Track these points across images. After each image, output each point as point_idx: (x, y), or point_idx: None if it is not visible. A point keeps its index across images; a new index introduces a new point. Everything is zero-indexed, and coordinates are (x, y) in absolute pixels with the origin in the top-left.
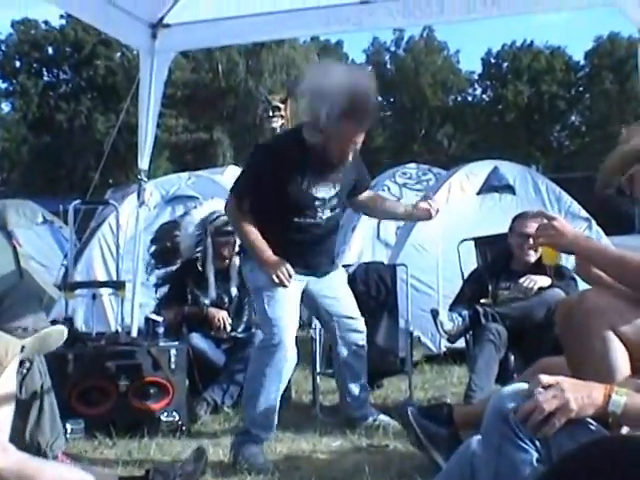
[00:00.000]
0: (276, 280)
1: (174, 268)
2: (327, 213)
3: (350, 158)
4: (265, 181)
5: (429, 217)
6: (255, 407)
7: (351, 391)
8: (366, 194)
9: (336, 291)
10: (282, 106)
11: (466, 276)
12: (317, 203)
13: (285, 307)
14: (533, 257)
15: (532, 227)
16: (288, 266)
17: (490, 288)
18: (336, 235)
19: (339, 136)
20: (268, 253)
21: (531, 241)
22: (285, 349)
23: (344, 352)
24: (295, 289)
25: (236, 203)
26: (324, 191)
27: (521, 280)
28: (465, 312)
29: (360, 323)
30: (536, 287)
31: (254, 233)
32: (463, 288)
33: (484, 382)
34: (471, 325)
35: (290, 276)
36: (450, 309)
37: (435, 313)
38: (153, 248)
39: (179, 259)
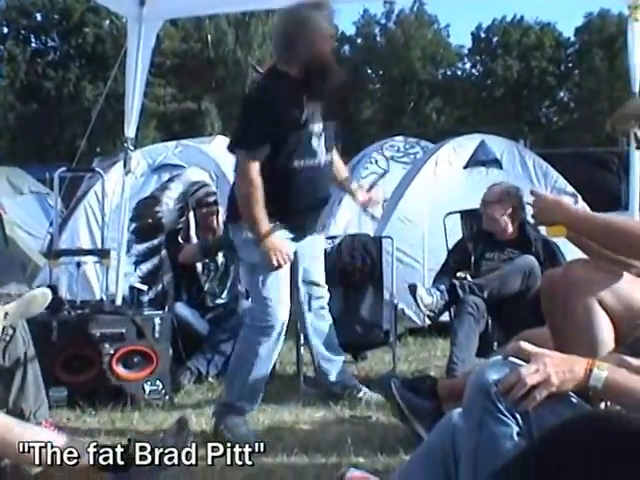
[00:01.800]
0: (275, 264)
1: (155, 243)
2: (324, 153)
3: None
4: (269, 125)
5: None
6: (243, 383)
7: (325, 356)
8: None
9: (313, 258)
10: None
11: (451, 248)
12: (314, 141)
13: (280, 287)
14: (510, 229)
15: (486, 196)
16: (287, 247)
17: (473, 259)
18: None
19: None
20: (267, 229)
21: (489, 211)
22: (280, 330)
23: (312, 318)
24: (288, 265)
25: (252, 166)
26: (318, 125)
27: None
28: (443, 286)
29: (324, 289)
30: None
31: (260, 204)
32: (448, 260)
33: (465, 355)
34: (450, 299)
35: (288, 257)
36: (434, 280)
37: (413, 288)
38: (133, 226)
39: (161, 234)
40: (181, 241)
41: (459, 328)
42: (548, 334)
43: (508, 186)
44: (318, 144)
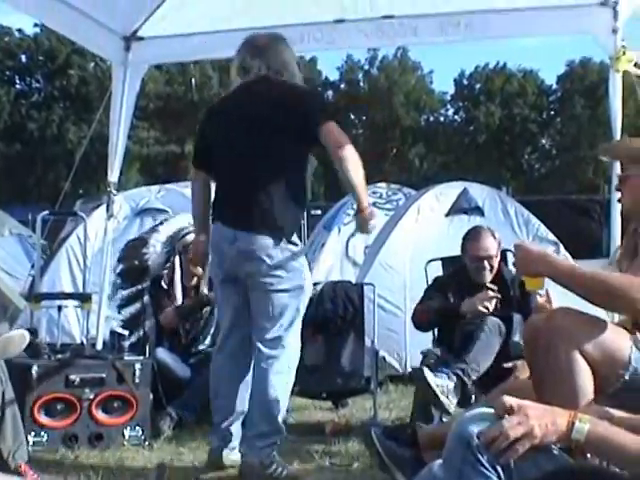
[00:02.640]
0: None
1: (139, 287)
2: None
3: None
4: None
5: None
6: None
7: None
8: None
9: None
10: None
11: (430, 284)
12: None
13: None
14: (489, 277)
15: (485, 250)
16: None
17: (452, 300)
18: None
19: None
20: None
21: (486, 263)
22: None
23: None
24: None
25: None
26: None
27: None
28: (447, 371)
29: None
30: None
31: None
32: (427, 292)
33: None
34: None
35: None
36: (413, 314)
37: (420, 372)
38: (120, 267)
39: (147, 278)
40: (164, 285)
41: (422, 379)
42: (529, 384)
43: (494, 233)
44: None
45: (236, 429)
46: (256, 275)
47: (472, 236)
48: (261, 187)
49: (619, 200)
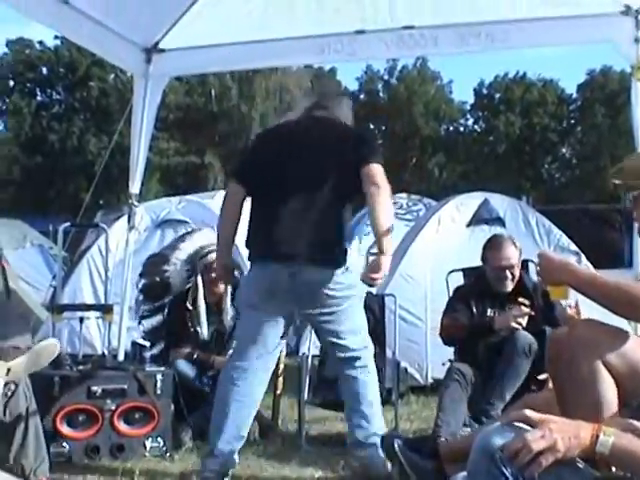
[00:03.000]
0: None
1: (161, 303)
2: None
3: None
4: None
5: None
6: None
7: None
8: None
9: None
10: None
11: (452, 294)
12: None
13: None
14: (510, 286)
15: (506, 259)
16: None
17: (475, 311)
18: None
19: None
20: None
21: (507, 272)
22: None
23: None
24: None
25: None
26: None
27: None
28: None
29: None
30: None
31: None
32: (450, 303)
33: (450, 418)
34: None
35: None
36: (441, 329)
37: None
38: (142, 283)
39: (169, 295)
40: (189, 306)
41: (445, 392)
42: (552, 397)
43: (516, 242)
44: None
45: (236, 456)
46: (316, 302)
47: (493, 245)
48: (323, 219)
49: (635, 219)
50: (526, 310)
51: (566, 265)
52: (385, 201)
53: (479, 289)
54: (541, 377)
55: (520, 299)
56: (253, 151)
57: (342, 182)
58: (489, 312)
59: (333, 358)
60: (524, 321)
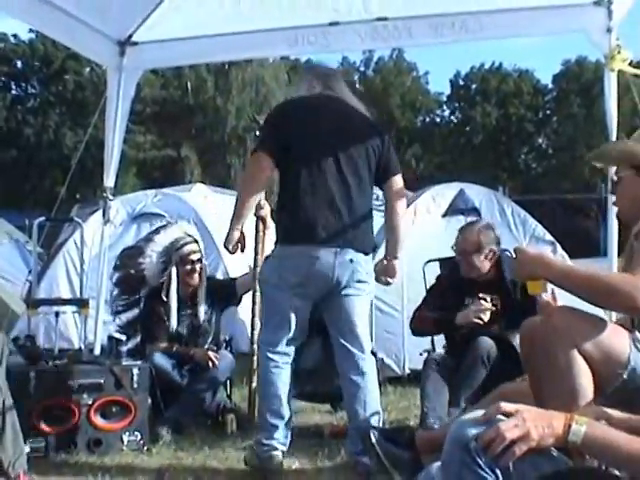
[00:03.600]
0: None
1: (136, 296)
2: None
3: None
4: None
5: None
6: None
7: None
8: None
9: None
10: None
11: (429, 288)
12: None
13: None
14: (472, 273)
15: (461, 244)
16: None
17: (452, 301)
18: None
19: None
20: None
21: (462, 258)
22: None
23: None
24: None
25: None
26: None
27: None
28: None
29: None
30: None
31: None
32: (427, 298)
33: (435, 404)
34: None
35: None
36: (411, 321)
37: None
38: (117, 276)
39: (144, 287)
40: (164, 298)
41: (427, 381)
42: (526, 387)
43: (482, 229)
44: None
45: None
46: (350, 283)
47: (460, 232)
48: (359, 203)
49: (614, 203)
50: (487, 305)
51: (541, 258)
52: (404, 212)
53: (453, 278)
54: None
55: (481, 294)
56: (276, 123)
57: (369, 170)
58: (466, 301)
59: (340, 353)
60: (486, 316)
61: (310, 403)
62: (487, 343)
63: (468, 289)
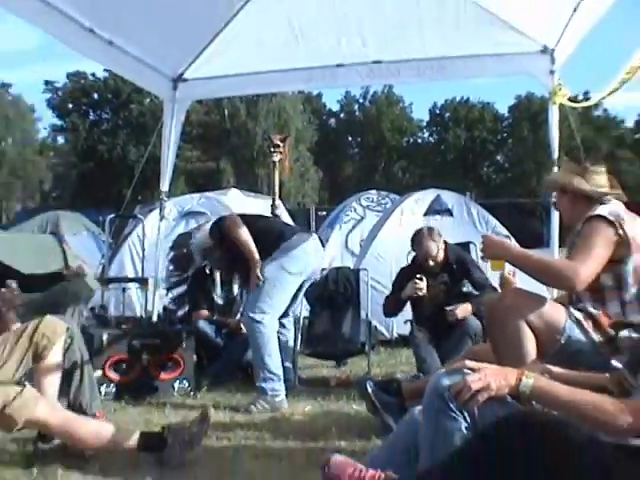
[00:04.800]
0: None
1: (185, 276)
2: None
3: None
4: None
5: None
6: None
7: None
8: None
9: None
10: (281, 144)
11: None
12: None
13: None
14: (440, 256)
15: (427, 249)
16: None
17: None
18: None
19: None
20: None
21: (430, 260)
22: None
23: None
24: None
25: None
26: None
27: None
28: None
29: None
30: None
31: None
32: (394, 284)
33: (430, 361)
34: None
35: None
36: (387, 296)
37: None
38: (172, 254)
39: (191, 267)
40: (207, 272)
41: (417, 344)
42: (489, 349)
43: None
44: None
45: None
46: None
47: (416, 239)
48: None
49: (558, 210)
50: (419, 283)
51: (503, 244)
52: None
53: (414, 268)
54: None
55: (418, 276)
56: None
57: None
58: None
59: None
60: (423, 289)
61: (319, 360)
62: (475, 323)
63: (425, 272)
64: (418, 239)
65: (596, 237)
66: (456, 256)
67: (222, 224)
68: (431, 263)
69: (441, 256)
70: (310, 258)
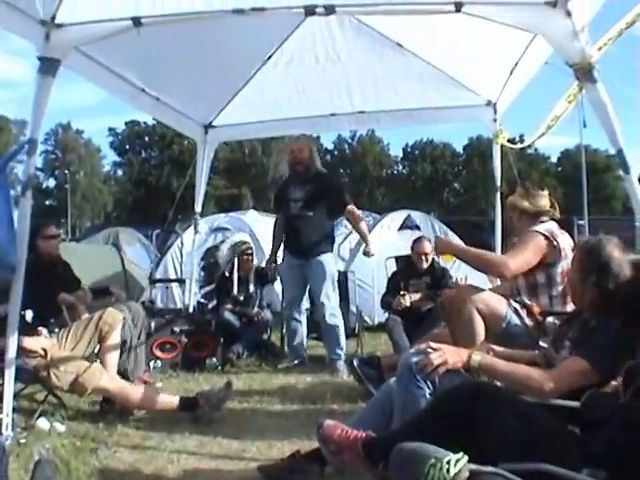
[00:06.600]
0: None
1: (213, 277)
2: (297, 209)
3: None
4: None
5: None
6: None
7: (329, 348)
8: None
9: (314, 277)
10: None
11: (390, 275)
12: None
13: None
14: (425, 264)
15: (423, 248)
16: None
17: (402, 284)
18: (315, 232)
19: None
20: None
21: (423, 257)
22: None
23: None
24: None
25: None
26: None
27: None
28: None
29: (325, 303)
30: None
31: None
32: (388, 284)
33: (401, 341)
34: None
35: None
36: (382, 298)
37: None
38: (202, 263)
39: (219, 271)
40: (227, 274)
41: (393, 330)
42: (447, 333)
43: (429, 240)
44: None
45: None
46: None
47: (416, 241)
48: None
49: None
50: (403, 299)
51: (450, 242)
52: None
53: (406, 269)
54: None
55: (402, 293)
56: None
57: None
58: (412, 282)
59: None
60: (406, 303)
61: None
62: (436, 314)
63: (414, 277)
64: (419, 240)
65: (529, 243)
66: (439, 265)
67: None
68: (423, 261)
69: (429, 259)
70: None
